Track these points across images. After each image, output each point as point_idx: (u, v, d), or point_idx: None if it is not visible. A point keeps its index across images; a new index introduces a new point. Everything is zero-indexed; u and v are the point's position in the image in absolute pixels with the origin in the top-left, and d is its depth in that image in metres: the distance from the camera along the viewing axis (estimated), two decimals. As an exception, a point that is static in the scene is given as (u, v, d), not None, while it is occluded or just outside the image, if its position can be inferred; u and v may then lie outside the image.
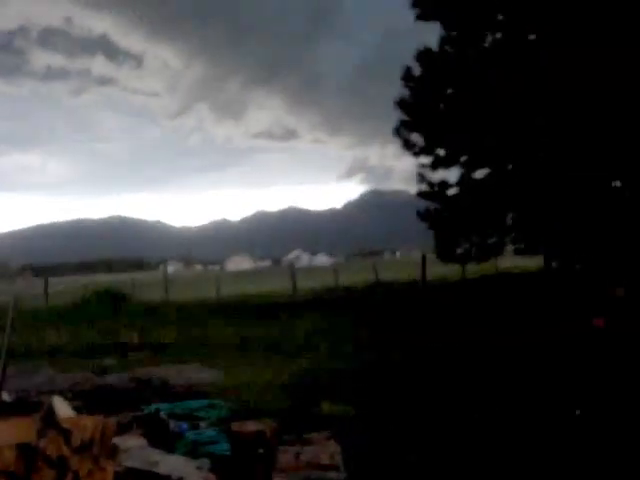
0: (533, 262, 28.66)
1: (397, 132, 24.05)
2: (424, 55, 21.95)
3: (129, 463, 4.05)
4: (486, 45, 21.66)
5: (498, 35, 21.71)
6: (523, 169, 21.03)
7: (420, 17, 21.43)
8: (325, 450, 4.85)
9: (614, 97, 16.23)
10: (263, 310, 22.77)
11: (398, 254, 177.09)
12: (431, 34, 22.01)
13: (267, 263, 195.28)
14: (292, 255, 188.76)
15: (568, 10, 17.64)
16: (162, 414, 6.07)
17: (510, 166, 22.54)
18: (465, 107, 20.42)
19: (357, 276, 36.18)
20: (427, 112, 23.15)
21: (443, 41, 21.84)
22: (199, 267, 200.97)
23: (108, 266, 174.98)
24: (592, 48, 17.23)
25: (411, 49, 22.75)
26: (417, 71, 22.79)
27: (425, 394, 8.15)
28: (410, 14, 21.55)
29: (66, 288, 33.82)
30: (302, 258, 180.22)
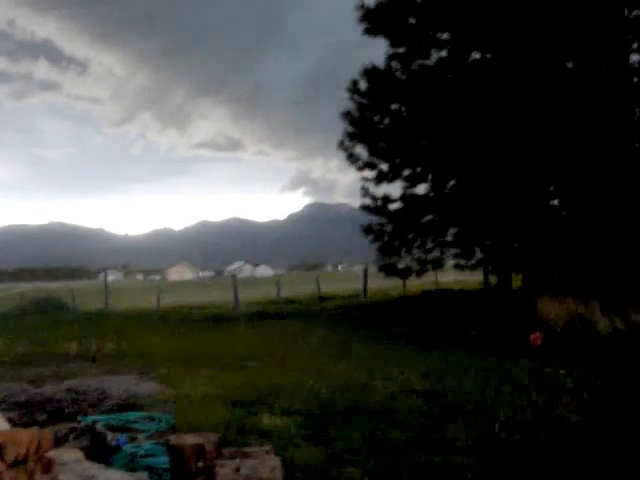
0: (474, 277, 29.12)
1: (342, 145, 24.22)
2: (370, 71, 22.16)
3: (65, 477, 3.97)
4: (430, 63, 21.96)
5: (443, 53, 22.06)
6: (464, 185, 21.37)
7: (367, 31, 21.61)
8: (265, 464, 4.83)
9: (554, 114, 16.61)
10: (204, 321, 22.67)
11: (340, 267, 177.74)
12: (377, 50, 22.22)
13: (209, 274, 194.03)
14: (234, 266, 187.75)
15: (511, 28, 17.99)
16: (99, 426, 5.99)
17: (452, 182, 22.87)
18: (408, 123, 20.67)
19: (299, 288, 36.26)
20: (372, 126, 23.36)
21: (389, 57, 22.07)
22: (140, 276, 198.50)
23: (47, 273, 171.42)
24: (533, 66, 17.64)
25: (356, 65, 22.98)
26: (363, 86, 23.00)
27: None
28: (356, 31, 21.73)
29: (2, 295, 33.02)
30: (244, 269, 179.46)
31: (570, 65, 18.77)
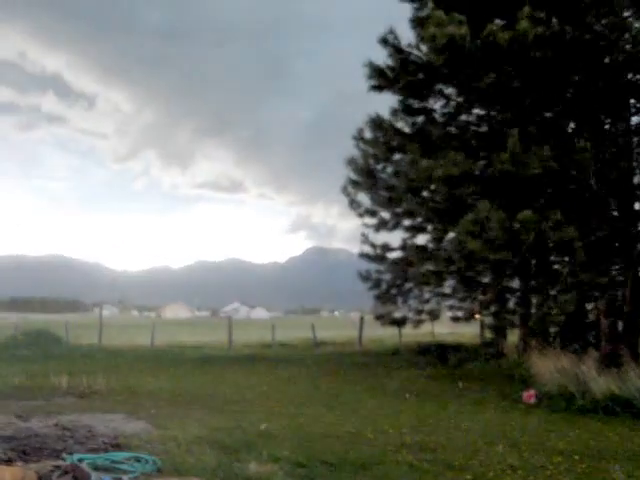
0: (470, 330, 29.08)
1: (344, 191, 24.40)
2: (375, 121, 22.41)
3: (46, 517, 3.93)
4: (436, 116, 22.22)
5: (449, 108, 22.36)
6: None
7: (375, 88, 21.91)
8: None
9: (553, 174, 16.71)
10: (197, 362, 22.55)
11: (337, 313, 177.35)
12: (379, 99, 22.45)
13: (205, 313, 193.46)
14: (230, 307, 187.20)
15: (515, 89, 18.21)
16: (84, 466, 5.92)
17: (451, 233, 22.97)
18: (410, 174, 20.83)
19: (294, 332, 36.13)
20: (374, 175, 23.54)
21: (394, 110, 22.35)
22: (135, 312, 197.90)
23: (42, 305, 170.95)
24: (536, 124, 17.80)
25: (358, 113, 23.23)
26: (368, 134, 23.23)
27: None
28: (358, 80, 22.00)
29: (-5, 326, 32.92)
30: (240, 310, 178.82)
31: (572, 125, 18.99)
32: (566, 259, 19.08)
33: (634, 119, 18.20)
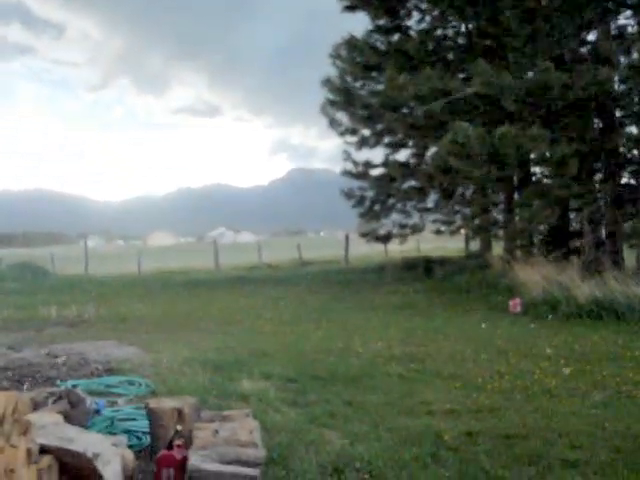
0: (455, 244, 29.28)
1: (323, 111, 24.16)
2: (349, 42, 22.07)
3: (43, 440, 3.97)
4: (412, 33, 21.90)
5: (424, 25, 22.04)
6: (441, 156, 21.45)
7: (347, 8, 21.49)
8: (244, 427, 4.86)
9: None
10: (185, 286, 22.65)
11: (322, 233, 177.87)
12: (354, 17, 22.06)
13: (191, 239, 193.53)
14: (216, 232, 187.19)
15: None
16: (79, 390, 5.97)
17: (433, 149, 22.91)
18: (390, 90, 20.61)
19: (281, 254, 36.26)
20: (352, 93, 23.28)
21: (370, 31, 22.04)
22: (120, 242, 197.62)
23: (26, 239, 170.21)
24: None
25: (333, 31, 22.85)
26: (344, 53, 22.90)
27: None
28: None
29: (-19, 261, 32.73)
30: (226, 235, 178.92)
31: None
32: (548, 173, 19.13)
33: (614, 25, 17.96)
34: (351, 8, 21.42)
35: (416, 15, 21.97)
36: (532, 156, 18.52)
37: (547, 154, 16.09)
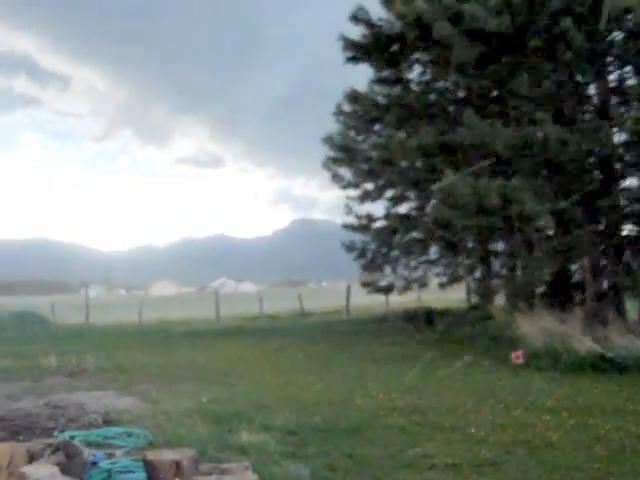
0: (457, 295, 29.20)
1: (325, 166, 24.41)
2: (350, 95, 22.36)
3: (39, 492, 3.93)
4: (412, 86, 22.17)
5: (426, 77, 22.31)
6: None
7: (350, 60, 21.78)
8: (242, 480, 4.82)
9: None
10: (186, 336, 22.58)
11: (324, 284, 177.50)
12: (357, 69, 22.34)
13: (192, 289, 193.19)
14: (217, 282, 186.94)
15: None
16: (76, 442, 5.92)
17: (433, 201, 23.05)
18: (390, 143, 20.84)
19: (282, 304, 36.18)
20: (354, 149, 23.56)
21: (371, 81, 22.34)
22: (122, 292, 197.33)
23: (27, 288, 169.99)
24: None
25: (338, 81, 23.19)
26: (346, 107, 23.23)
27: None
28: (335, 49, 21.85)
29: (-19, 309, 32.68)
30: (227, 285, 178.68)
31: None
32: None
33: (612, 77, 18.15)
34: (354, 59, 21.73)
35: (418, 68, 22.27)
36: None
37: (552, 209, 16.10)
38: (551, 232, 18.52)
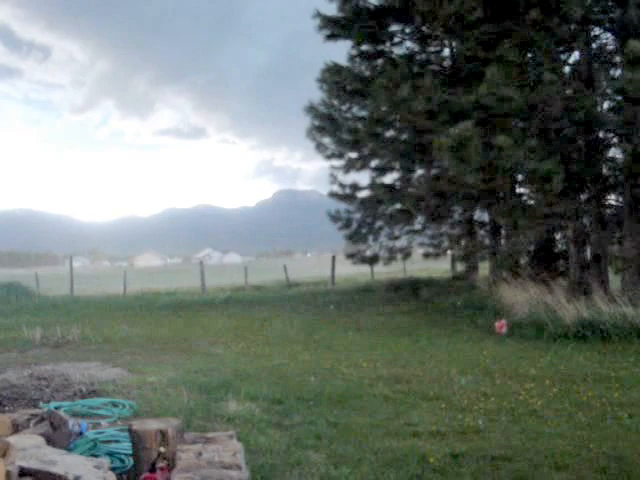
0: (441, 265, 29.33)
1: (310, 135, 24.25)
2: (331, 69, 22.22)
3: (24, 462, 3.92)
4: (394, 57, 22.04)
5: (404, 50, 22.23)
6: (430, 174, 21.56)
7: (329, 37, 21.58)
8: (227, 448, 4.82)
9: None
10: (171, 307, 22.55)
11: (309, 255, 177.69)
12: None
13: (177, 261, 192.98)
14: (202, 253, 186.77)
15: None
16: (61, 412, 5.91)
17: (418, 171, 23.07)
18: (375, 115, 20.78)
19: (267, 275, 36.22)
20: (337, 119, 23.44)
21: (351, 56, 22.22)
22: (107, 263, 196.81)
23: (11, 259, 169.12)
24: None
25: (317, 52, 23.11)
26: (328, 80, 23.07)
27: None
28: (315, 21, 21.64)
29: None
30: (213, 256, 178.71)
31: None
32: (537, 191, 19.17)
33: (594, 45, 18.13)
34: (333, 37, 21.55)
35: (396, 40, 22.14)
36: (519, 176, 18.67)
37: (536, 168, 16.13)
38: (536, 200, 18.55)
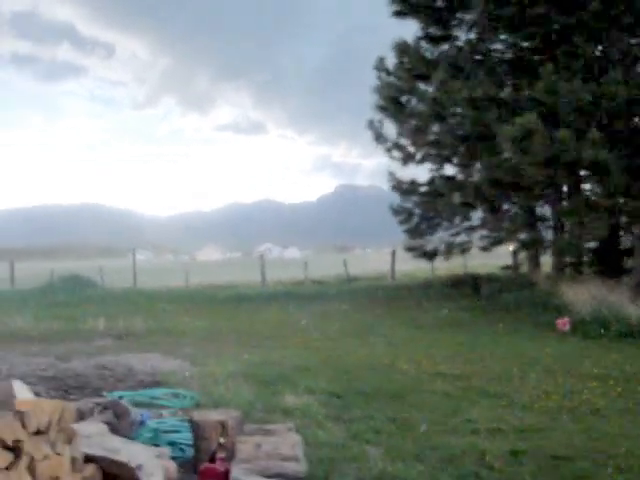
0: (502, 261, 28.93)
1: (370, 125, 24.13)
2: (400, 47, 21.98)
3: (88, 449, 4.02)
4: (460, 44, 21.81)
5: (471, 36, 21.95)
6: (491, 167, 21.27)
7: (397, 14, 21.44)
8: (286, 441, 4.86)
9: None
10: (231, 300, 22.75)
11: (369, 250, 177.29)
12: (397, 32, 22.01)
13: (238, 255, 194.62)
14: (263, 247, 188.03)
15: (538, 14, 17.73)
16: (124, 402, 6.04)
17: (478, 164, 22.77)
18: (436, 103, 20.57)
19: (327, 270, 36.23)
20: (400, 102, 23.22)
21: (418, 38, 22.01)
22: (169, 257, 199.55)
23: (77, 252, 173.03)
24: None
25: (377, 47, 22.98)
26: (391, 62, 22.93)
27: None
28: (374, 13, 21.68)
29: (33, 273, 33.36)
30: (273, 251, 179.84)
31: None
32: (599, 184, 18.80)
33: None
34: (401, 14, 21.40)
35: (465, 28, 21.89)
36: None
37: (595, 159, 15.81)
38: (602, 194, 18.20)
